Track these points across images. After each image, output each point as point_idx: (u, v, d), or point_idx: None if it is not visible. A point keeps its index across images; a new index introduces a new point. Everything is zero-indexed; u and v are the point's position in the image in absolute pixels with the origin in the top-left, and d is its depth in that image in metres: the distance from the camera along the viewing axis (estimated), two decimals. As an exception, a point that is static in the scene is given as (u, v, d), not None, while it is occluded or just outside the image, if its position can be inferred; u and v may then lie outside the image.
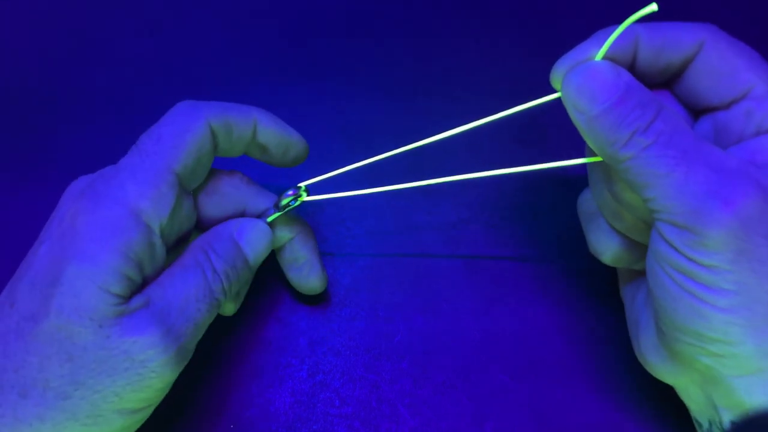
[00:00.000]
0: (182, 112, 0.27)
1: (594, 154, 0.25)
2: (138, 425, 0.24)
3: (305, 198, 0.29)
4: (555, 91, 0.25)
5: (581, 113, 0.23)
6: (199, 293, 0.24)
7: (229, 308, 0.30)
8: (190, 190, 0.27)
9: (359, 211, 0.36)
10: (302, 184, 0.29)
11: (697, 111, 0.26)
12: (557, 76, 0.24)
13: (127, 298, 0.23)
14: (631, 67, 0.24)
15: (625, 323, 0.30)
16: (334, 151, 0.38)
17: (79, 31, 0.43)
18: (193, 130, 0.26)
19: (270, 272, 0.32)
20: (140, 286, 0.24)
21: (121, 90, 0.41)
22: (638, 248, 0.27)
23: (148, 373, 0.22)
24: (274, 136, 0.28)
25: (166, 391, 0.24)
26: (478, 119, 0.27)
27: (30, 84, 0.41)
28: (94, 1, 0.44)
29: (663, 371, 0.25)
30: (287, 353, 0.31)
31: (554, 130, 0.39)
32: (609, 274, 0.33)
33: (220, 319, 0.31)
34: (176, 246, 0.27)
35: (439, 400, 0.30)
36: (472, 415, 0.29)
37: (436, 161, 0.38)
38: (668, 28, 0.24)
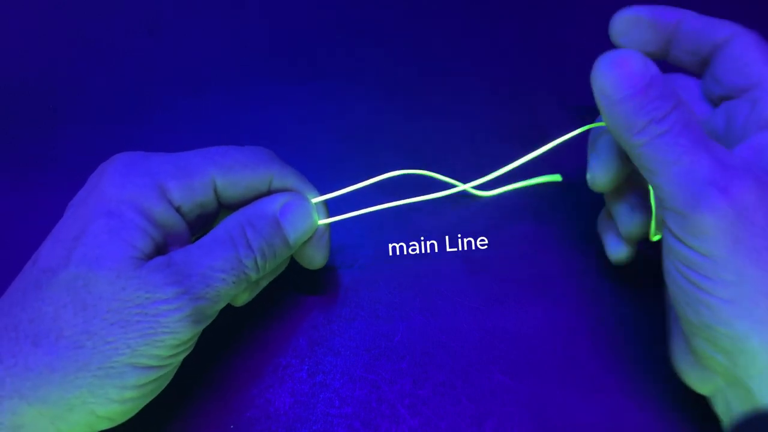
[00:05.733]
0: (260, 153, 0.28)
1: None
2: (153, 388, 0.24)
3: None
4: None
5: (606, 97, 0.23)
6: (226, 265, 0.25)
7: (243, 297, 0.29)
8: (223, 200, 0.27)
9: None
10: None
11: (718, 100, 0.28)
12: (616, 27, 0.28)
13: (150, 256, 0.23)
14: (668, 45, 0.28)
15: (623, 323, 0.30)
16: (334, 151, 0.38)
17: (79, 30, 0.43)
18: (255, 169, 0.27)
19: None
20: (164, 249, 0.24)
21: (121, 90, 0.41)
22: None
23: (160, 328, 0.23)
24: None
25: (183, 352, 0.25)
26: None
27: (30, 84, 0.41)
28: (94, 1, 0.44)
29: (693, 379, 0.25)
30: (287, 353, 0.31)
31: (554, 131, 0.39)
32: (609, 274, 0.33)
33: (219, 319, 0.31)
34: (199, 222, 0.27)
35: (438, 400, 0.30)
36: (471, 416, 0.29)
37: (438, 161, 0.38)
38: (708, 20, 0.27)
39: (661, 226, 0.26)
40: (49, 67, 0.42)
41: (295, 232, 0.27)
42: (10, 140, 0.39)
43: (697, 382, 0.25)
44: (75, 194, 0.26)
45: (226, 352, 0.31)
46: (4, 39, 0.43)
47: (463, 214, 0.36)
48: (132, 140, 0.39)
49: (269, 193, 0.28)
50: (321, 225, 0.29)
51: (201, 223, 0.27)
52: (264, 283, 0.30)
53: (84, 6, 0.44)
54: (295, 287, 0.33)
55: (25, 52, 0.42)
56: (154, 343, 0.23)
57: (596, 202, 0.33)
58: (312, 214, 0.28)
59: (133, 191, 0.24)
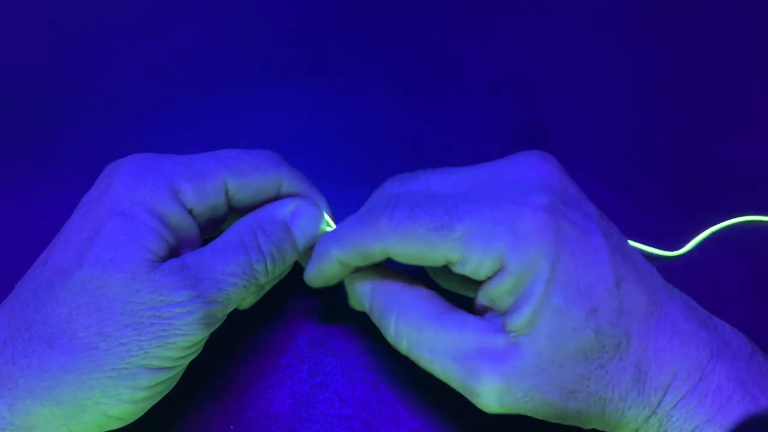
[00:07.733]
0: (269, 157, 0.28)
1: None
2: (163, 388, 0.25)
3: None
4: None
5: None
6: (238, 269, 0.25)
7: (249, 301, 0.29)
8: (233, 203, 0.27)
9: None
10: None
11: None
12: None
13: (163, 258, 0.23)
14: None
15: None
16: (334, 151, 0.38)
17: (79, 31, 0.43)
18: (265, 172, 0.27)
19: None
20: (176, 251, 0.25)
21: (121, 90, 0.41)
22: None
23: (173, 330, 0.23)
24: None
25: (193, 353, 0.25)
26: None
27: (31, 84, 0.41)
28: (94, 1, 0.44)
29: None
30: (287, 354, 0.31)
31: (554, 130, 0.39)
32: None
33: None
34: (209, 225, 0.27)
35: (439, 401, 0.30)
36: (472, 417, 0.29)
37: (438, 161, 0.38)
38: None
39: None
40: (49, 67, 0.42)
41: (304, 237, 0.28)
42: (10, 140, 0.39)
43: None
44: (77, 195, 0.26)
45: (226, 352, 0.31)
46: (4, 39, 0.43)
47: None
48: (133, 141, 0.39)
49: (278, 196, 0.28)
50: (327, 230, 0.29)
51: (210, 227, 0.27)
52: (268, 287, 0.30)
53: (85, 6, 0.44)
54: (295, 288, 0.33)
55: (25, 53, 0.42)
56: (166, 345, 0.23)
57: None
58: (320, 220, 0.28)
59: (146, 192, 0.24)
